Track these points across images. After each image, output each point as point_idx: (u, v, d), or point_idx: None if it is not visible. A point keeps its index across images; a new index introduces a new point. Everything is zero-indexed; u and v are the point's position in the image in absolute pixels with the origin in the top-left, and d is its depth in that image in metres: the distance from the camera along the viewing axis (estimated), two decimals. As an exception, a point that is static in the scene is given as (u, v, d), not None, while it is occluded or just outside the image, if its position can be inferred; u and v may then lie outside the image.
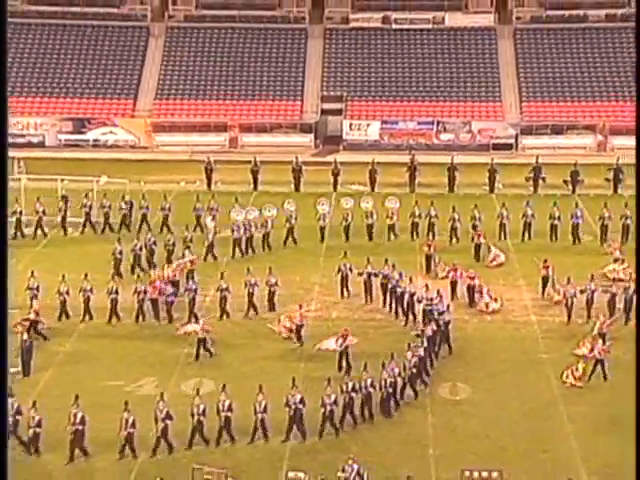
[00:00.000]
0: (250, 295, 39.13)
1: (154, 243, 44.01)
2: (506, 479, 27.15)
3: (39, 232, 47.49)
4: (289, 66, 69.21)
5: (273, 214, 47.29)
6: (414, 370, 32.86)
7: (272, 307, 39.40)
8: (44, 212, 47.71)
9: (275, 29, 71.17)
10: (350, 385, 31.16)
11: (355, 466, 27.33)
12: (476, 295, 40.23)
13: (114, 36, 70.58)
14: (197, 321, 36.92)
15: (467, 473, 27.21)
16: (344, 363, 34.27)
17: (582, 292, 38.48)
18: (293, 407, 30.28)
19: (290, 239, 46.69)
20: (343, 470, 27.33)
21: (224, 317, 38.75)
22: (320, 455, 29.58)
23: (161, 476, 27.21)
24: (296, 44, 70.55)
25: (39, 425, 29.30)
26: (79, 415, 29.29)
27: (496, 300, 40.24)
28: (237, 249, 45.28)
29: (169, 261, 42.64)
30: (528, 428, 31.29)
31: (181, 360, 35.47)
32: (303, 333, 36.59)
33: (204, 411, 29.78)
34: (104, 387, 32.89)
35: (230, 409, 29.95)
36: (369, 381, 31.33)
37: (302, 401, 30.27)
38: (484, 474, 27.25)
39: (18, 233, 46.95)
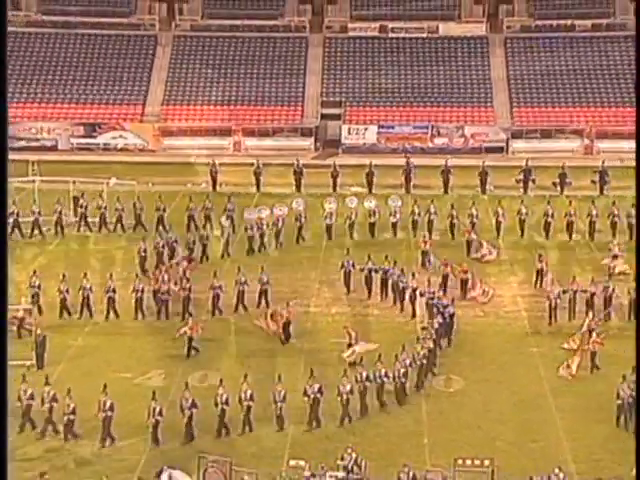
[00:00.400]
0: (240, 293, 39.11)
1: (175, 241, 44.08)
2: (497, 467, 27.13)
3: (35, 231, 47.33)
4: (290, 73, 69.13)
5: (284, 212, 47.41)
6: (424, 361, 33.01)
7: (264, 304, 39.24)
8: (40, 213, 47.65)
9: (277, 38, 71.08)
10: (364, 375, 31.32)
11: (353, 454, 27.34)
12: (468, 289, 40.28)
13: (123, 45, 70.55)
14: (189, 319, 36.86)
15: (460, 461, 27.21)
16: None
17: (564, 292, 38.49)
18: (312, 396, 30.42)
19: (297, 237, 46.71)
20: (342, 458, 27.34)
21: (217, 314, 38.72)
22: (320, 444, 29.56)
23: (168, 464, 27.19)
24: (297, 52, 70.48)
25: (74, 412, 29.58)
26: (108, 402, 29.55)
27: (487, 294, 40.29)
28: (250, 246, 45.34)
29: (190, 259, 42.81)
30: (518, 419, 31.25)
31: (186, 354, 35.45)
32: (291, 329, 36.54)
33: (227, 400, 29.90)
34: (114, 379, 32.82)
35: (252, 398, 30.09)
36: (383, 371, 31.52)
37: (320, 390, 30.45)
38: (476, 462, 27.25)
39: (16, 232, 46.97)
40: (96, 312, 38.53)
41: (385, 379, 31.47)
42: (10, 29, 68.09)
